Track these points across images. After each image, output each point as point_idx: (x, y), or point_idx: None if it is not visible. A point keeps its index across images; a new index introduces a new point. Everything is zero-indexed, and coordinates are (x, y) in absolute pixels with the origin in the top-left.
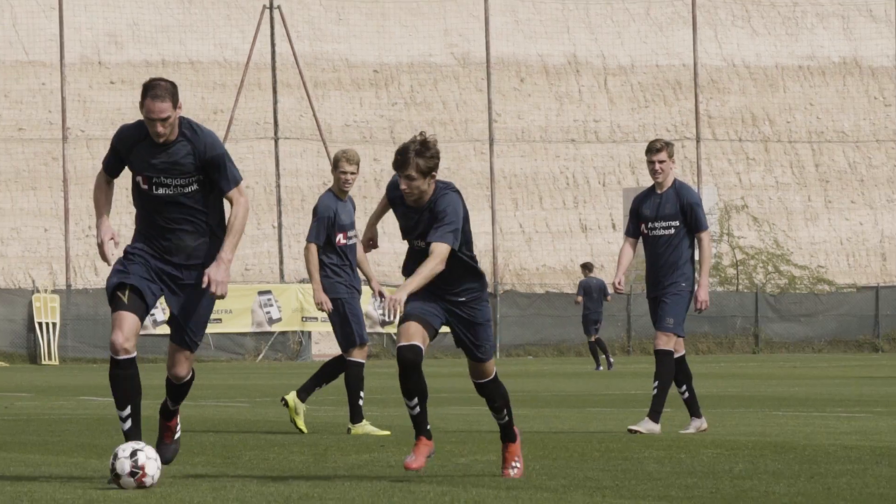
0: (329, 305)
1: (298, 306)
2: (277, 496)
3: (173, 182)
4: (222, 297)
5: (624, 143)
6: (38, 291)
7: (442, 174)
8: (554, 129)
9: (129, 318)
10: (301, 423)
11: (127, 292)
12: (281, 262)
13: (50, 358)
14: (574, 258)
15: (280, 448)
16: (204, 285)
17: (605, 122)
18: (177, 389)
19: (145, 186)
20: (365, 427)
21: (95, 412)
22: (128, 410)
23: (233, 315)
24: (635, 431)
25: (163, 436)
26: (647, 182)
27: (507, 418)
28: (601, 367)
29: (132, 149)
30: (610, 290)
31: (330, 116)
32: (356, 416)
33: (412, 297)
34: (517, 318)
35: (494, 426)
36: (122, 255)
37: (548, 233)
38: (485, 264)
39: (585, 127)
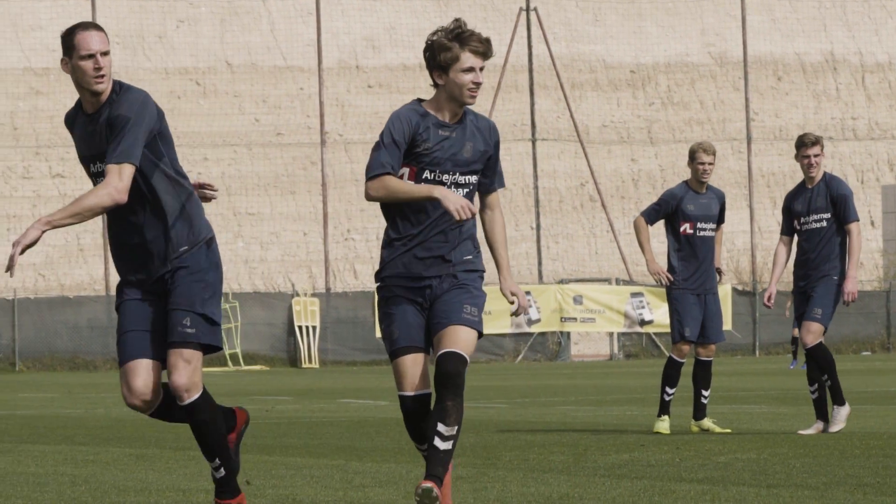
0: (666, 276)
1: (557, 307)
2: (538, 496)
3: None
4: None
5: (882, 140)
6: (297, 295)
7: None
8: (812, 127)
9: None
10: (716, 427)
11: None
12: (539, 263)
13: (310, 361)
14: None
15: (540, 448)
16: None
17: (863, 119)
18: (192, 426)
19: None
20: (661, 425)
21: (355, 415)
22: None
23: (492, 316)
24: (830, 431)
25: None
26: None
27: (451, 444)
28: (796, 365)
29: (73, 128)
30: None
31: (587, 117)
32: (663, 409)
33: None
34: (777, 317)
35: (755, 423)
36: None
37: None
38: (744, 263)
39: (843, 125)
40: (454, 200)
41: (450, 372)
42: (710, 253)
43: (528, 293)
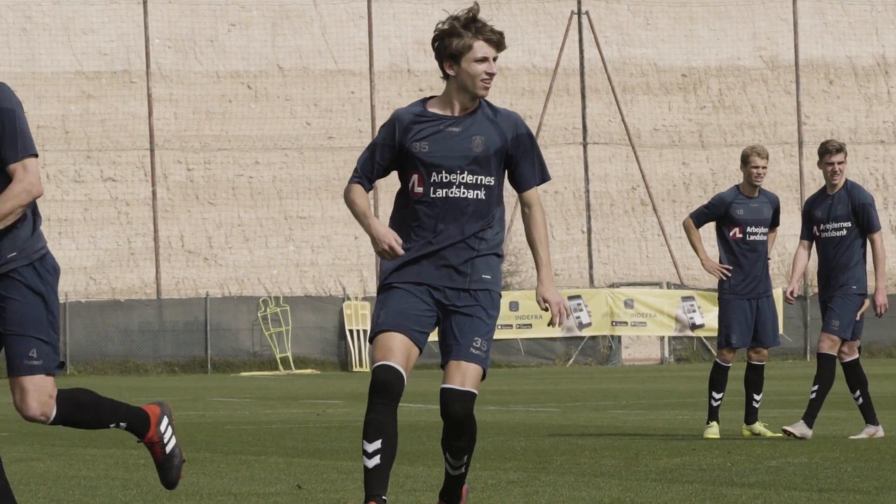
0: (723, 269)
1: (608, 311)
2: (589, 500)
3: None
4: None
5: None
6: (348, 299)
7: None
8: (863, 131)
9: None
10: (768, 432)
11: None
12: (591, 267)
13: (361, 365)
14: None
15: (591, 452)
16: None
17: None
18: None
19: None
20: (710, 430)
21: (406, 419)
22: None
23: (542, 320)
24: (789, 433)
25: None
26: None
27: (463, 469)
28: None
29: None
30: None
31: (638, 121)
32: (711, 416)
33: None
34: None
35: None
36: None
37: None
38: None
39: (895, 128)
40: (381, 240)
41: (457, 414)
42: (763, 257)
43: (578, 297)
